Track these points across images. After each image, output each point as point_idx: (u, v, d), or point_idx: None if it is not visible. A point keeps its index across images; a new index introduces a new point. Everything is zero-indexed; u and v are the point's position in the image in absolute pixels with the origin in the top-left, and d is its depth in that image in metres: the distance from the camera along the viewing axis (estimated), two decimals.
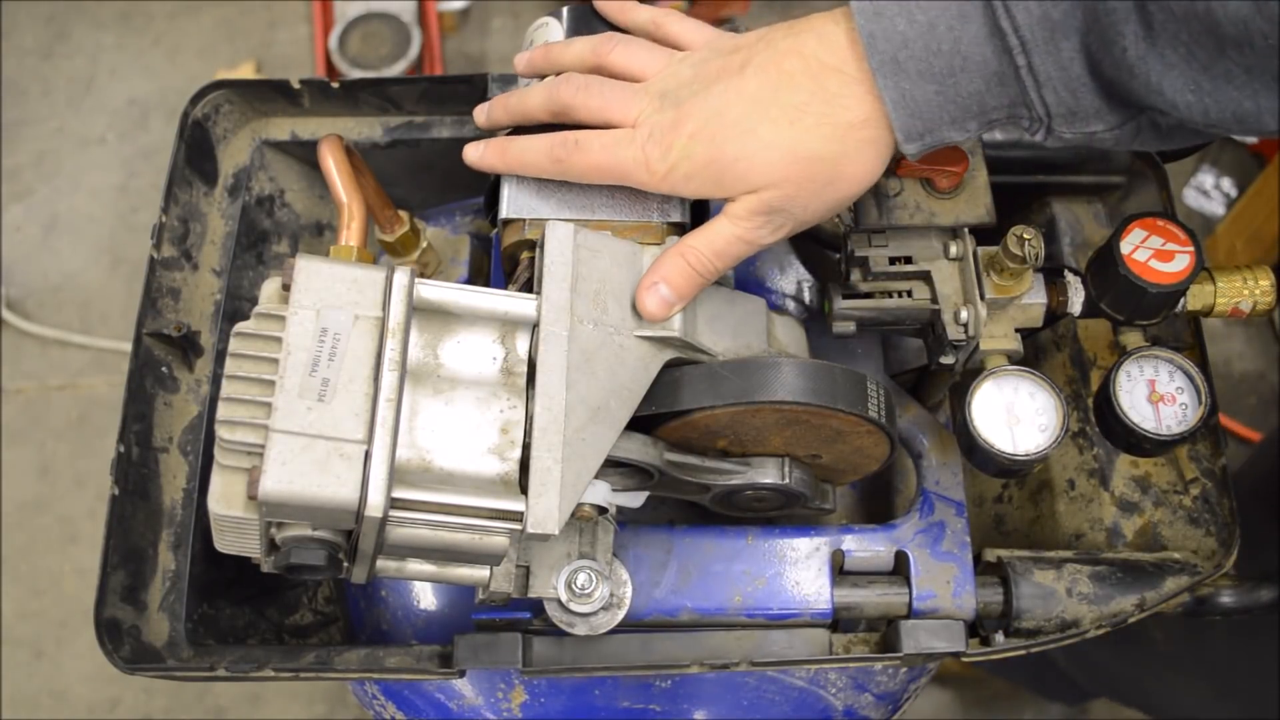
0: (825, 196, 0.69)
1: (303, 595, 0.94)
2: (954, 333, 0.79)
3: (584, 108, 0.72)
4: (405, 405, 0.65)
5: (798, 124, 0.66)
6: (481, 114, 0.79)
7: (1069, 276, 0.81)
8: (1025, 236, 0.75)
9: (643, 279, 0.71)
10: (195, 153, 0.92)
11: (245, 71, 2.37)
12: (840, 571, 0.81)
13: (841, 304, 0.80)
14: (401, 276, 0.67)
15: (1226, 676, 1.14)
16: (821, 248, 0.93)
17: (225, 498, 0.64)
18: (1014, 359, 0.79)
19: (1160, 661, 1.23)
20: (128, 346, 0.87)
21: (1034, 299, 0.79)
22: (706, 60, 0.71)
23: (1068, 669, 1.41)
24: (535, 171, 0.73)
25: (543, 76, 0.78)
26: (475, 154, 0.76)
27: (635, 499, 0.76)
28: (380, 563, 0.69)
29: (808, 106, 0.66)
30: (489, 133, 0.79)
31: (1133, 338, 0.82)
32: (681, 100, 0.69)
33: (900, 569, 0.81)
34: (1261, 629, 1.02)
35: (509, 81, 0.90)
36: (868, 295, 0.81)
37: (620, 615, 0.74)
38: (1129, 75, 0.59)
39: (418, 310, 0.67)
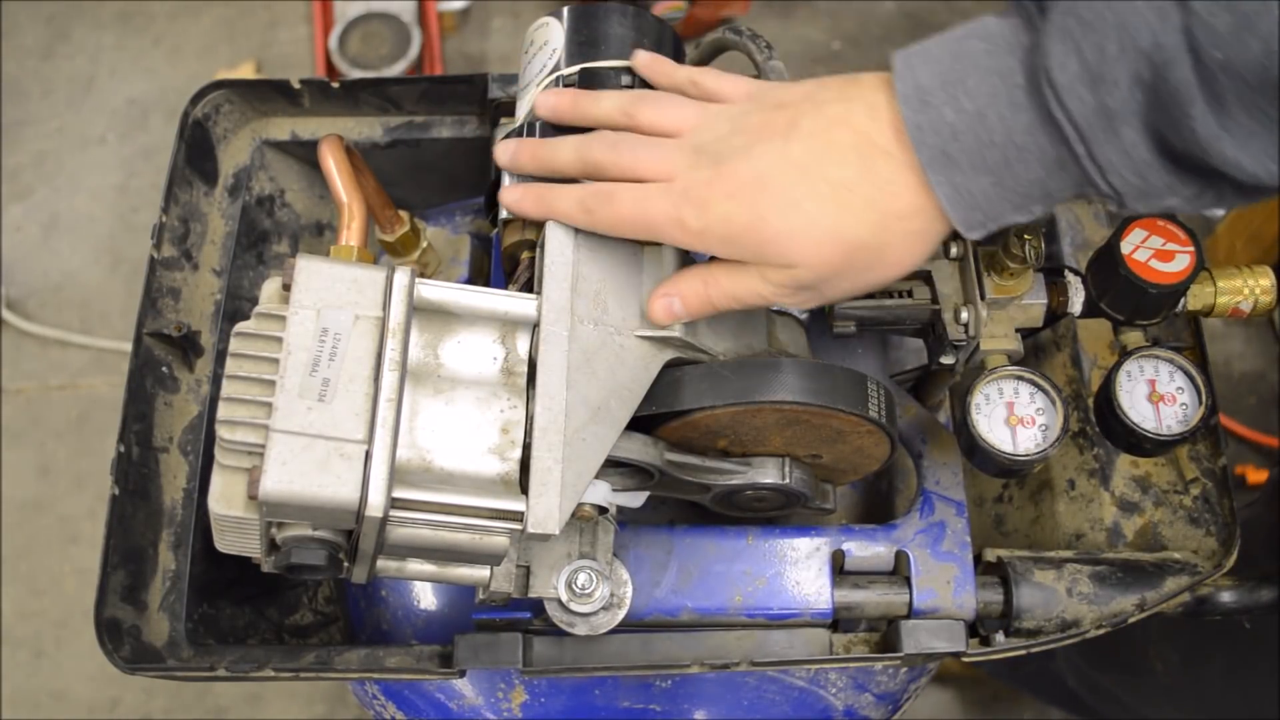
0: (861, 281, 0.67)
1: (303, 595, 0.94)
2: (954, 333, 0.79)
3: (614, 166, 0.69)
4: (405, 405, 0.65)
5: (844, 205, 0.63)
6: (505, 154, 0.74)
7: (1069, 276, 0.81)
8: (1026, 236, 0.75)
9: (660, 286, 0.70)
10: (195, 153, 0.92)
11: (245, 71, 2.36)
12: (840, 571, 0.81)
13: (842, 304, 0.80)
14: (402, 276, 0.67)
15: (1223, 710, 1.15)
16: None
17: (225, 498, 0.64)
18: (1014, 359, 0.79)
19: (1160, 694, 1.23)
20: (128, 346, 0.87)
21: (1034, 299, 0.79)
22: (747, 114, 0.68)
23: (1077, 688, 1.41)
24: (568, 220, 0.71)
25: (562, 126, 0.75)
26: (513, 198, 0.73)
27: (635, 499, 0.76)
28: (380, 563, 0.69)
29: (856, 188, 0.63)
30: (504, 170, 0.77)
31: (1133, 338, 0.82)
32: (721, 157, 0.66)
33: (900, 569, 0.81)
34: (1261, 662, 1.02)
35: (509, 82, 0.91)
36: (868, 295, 0.81)
37: (620, 615, 0.74)
38: (1202, 151, 0.56)
39: (418, 310, 0.67)
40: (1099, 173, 0.59)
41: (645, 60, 0.75)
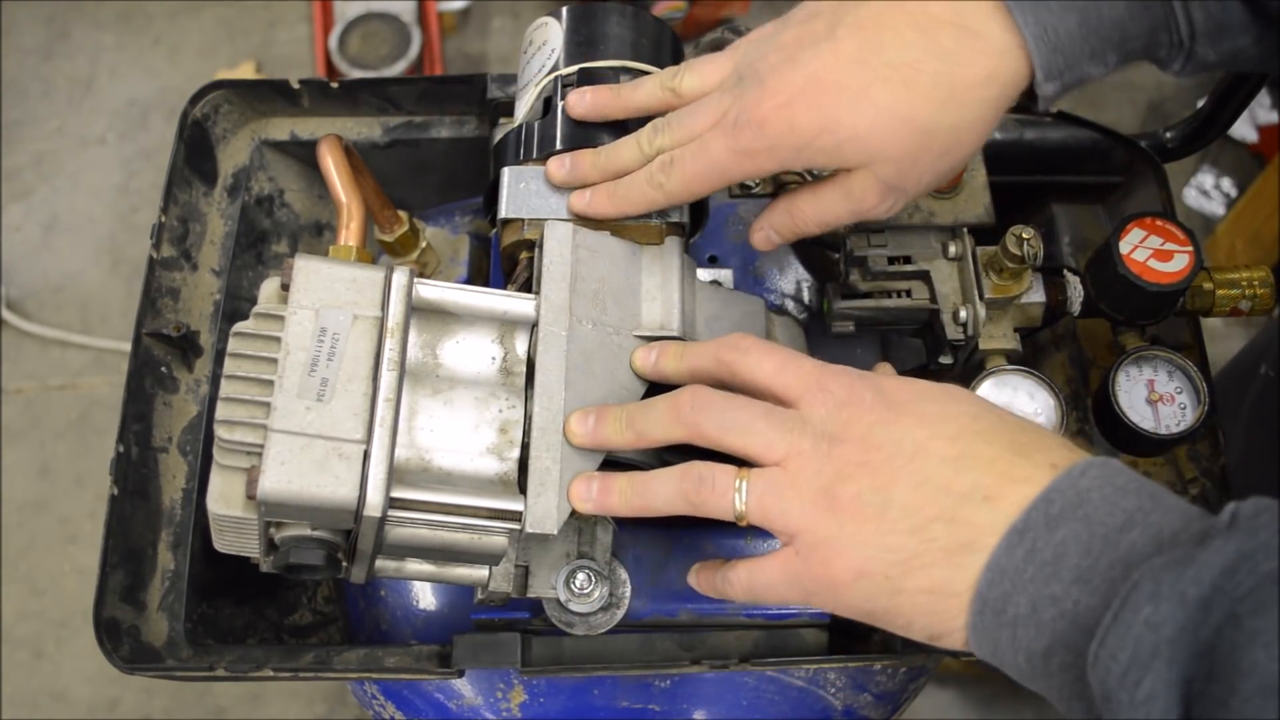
0: (938, 168, 0.65)
1: (302, 595, 0.94)
2: (953, 332, 0.79)
3: (674, 141, 0.69)
4: (404, 405, 0.65)
5: (913, 85, 0.61)
6: (560, 170, 0.73)
7: (1068, 276, 0.81)
8: (1024, 236, 0.76)
9: (757, 221, 0.72)
10: (195, 153, 0.92)
11: (245, 71, 2.37)
12: None
13: (840, 304, 0.80)
14: (400, 276, 0.67)
15: None
16: (821, 248, 0.93)
17: (224, 497, 0.64)
18: (1013, 359, 0.79)
19: None
20: (128, 346, 0.87)
21: (1033, 299, 0.79)
22: (778, 34, 0.66)
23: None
24: (648, 205, 0.71)
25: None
26: (582, 203, 0.71)
27: None
28: (379, 562, 0.69)
29: (921, 65, 0.61)
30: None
31: (1132, 338, 0.82)
32: (763, 75, 0.64)
33: None
34: None
35: (508, 82, 0.91)
36: (867, 295, 0.81)
37: (619, 615, 0.74)
38: None
39: (417, 310, 0.67)
40: (1182, 2, 0.60)
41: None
